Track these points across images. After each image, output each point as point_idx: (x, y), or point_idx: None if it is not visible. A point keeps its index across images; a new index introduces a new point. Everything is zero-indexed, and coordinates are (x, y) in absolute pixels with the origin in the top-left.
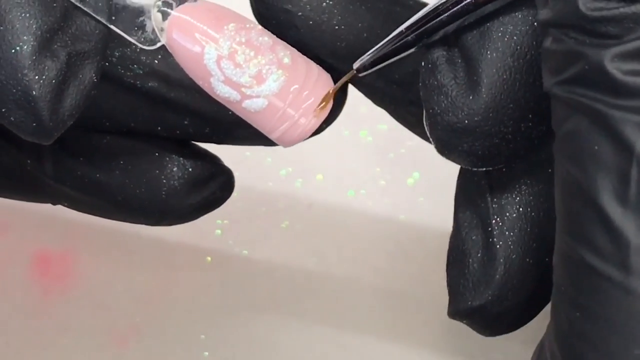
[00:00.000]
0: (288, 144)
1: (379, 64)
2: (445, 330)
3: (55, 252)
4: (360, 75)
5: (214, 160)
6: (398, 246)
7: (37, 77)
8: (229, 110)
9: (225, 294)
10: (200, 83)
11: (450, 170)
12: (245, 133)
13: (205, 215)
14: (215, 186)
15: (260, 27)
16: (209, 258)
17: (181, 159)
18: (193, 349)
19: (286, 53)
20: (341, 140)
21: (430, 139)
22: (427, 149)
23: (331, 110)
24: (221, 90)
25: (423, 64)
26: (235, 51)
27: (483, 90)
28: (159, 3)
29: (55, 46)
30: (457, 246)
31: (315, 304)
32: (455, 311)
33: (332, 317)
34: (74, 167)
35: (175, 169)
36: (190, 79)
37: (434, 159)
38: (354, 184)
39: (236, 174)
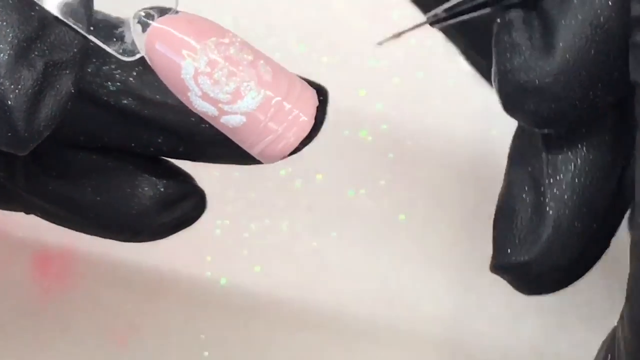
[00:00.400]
0: (269, 159)
1: (453, 18)
2: (446, 329)
3: (55, 252)
4: (433, 26)
5: (187, 179)
6: (398, 246)
7: (12, 86)
8: (203, 128)
9: (225, 293)
10: (179, 96)
11: (448, 172)
12: (220, 152)
13: (205, 215)
14: (187, 207)
15: (242, 40)
16: (209, 258)
17: (154, 178)
18: (193, 349)
19: (267, 69)
20: (341, 140)
21: (498, 95)
22: (427, 150)
23: (312, 128)
24: (199, 105)
25: (499, 20)
26: (214, 66)
27: (557, 53)
28: (140, 14)
29: (33, 55)
30: (506, 203)
31: (316, 304)
32: (498, 265)
33: (333, 317)
34: (47, 181)
35: (147, 188)
36: (165, 96)
37: (434, 160)
38: (354, 183)
39: (235, 174)
